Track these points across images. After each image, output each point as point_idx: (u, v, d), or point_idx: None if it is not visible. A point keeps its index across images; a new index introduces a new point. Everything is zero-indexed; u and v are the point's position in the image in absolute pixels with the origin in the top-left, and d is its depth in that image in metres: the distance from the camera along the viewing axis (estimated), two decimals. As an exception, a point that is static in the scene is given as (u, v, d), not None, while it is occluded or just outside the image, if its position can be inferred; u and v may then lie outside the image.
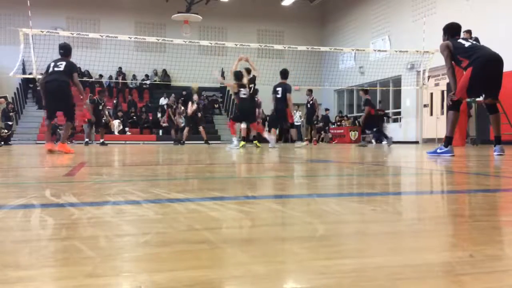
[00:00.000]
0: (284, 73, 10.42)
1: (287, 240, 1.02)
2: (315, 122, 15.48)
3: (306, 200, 1.73)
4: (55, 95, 6.70)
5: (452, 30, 5.43)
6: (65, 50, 7.09)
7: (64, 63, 6.83)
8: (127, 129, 20.20)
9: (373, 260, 0.85)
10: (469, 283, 0.71)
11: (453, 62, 5.26)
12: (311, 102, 14.86)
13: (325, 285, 0.70)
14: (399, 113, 19.54)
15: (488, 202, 1.72)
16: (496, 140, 5.48)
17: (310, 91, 15.11)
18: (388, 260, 0.84)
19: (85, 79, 19.77)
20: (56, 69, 6.74)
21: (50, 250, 0.94)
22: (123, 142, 18.93)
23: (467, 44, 5.24)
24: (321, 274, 0.75)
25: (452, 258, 0.86)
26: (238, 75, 10.15)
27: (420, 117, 18.46)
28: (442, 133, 13.39)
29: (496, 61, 5.14)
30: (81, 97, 7.79)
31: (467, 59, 5.08)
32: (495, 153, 5.33)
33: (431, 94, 17.53)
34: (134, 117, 20.91)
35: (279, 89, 10.29)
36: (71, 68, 6.87)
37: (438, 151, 5.35)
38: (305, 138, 14.34)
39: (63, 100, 6.75)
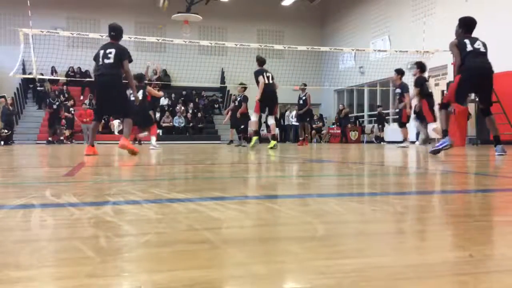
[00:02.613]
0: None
1: (287, 240, 1.02)
2: (307, 119, 14.00)
3: (306, 200, 1.73)
4: (106, 94, 5.76)
5: (466, 26, 5.50)
6: (116, 32, 5.95)
7: (113, 50, 5.73)
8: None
9: (373, 260, 0.85)
10: (469, 283, 0.71)
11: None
12: (303, 98, 13.54)
13: (325, 285, 0.70)
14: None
15: (488, 202, 1.72)
16: (496, 140, 5.53)
17: (304, 85, 13.79)
18: (388, 260, 0.84)
19: (87, 79, 19.79)
20: (106, 60, 5.71)
21: (50, 250, 0.95)
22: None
23: (469, 48, 5.29)
24: (321, 274, 0.75)
25: (452, 258, 0.86)
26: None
27: (420, 117, 18.46)
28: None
29: (482, 74, 5.29)
30: (130, 91, 6.51)
31: (462, 64, 5.23)
32: (497, 153, 5.36)
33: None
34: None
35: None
36: (122, 55, 5.75)
37: (436, 145, 5.60)
38: (300, 138, 13.49)
39: (115, 99, 5.75)
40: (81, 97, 20.75)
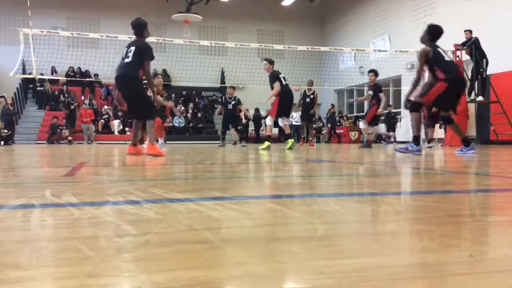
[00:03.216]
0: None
1: (287, 240, 1.02)
2: (313, 119, 13.24)
3: (306, 200, 1.73)
4: (124, 95, 5.44)
5: (434, 34, 5.60)
6: (137, 29, 5.48)
7: (133, 48, 5.31)
8: (127, 129, 20.20)
9: (373, 260, 0.85)
10: (469, 283, 0.71)
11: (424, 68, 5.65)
12: (311, 96, 12.47)
13: (325, 285, 0.70)
14: (399, 113, 19.52)
15: (488, 202, 1.72)
16: (464, 141, 5.79)
17: (311, 83, 12.73)
18: (388, 260, 0.84)
19: (87, 79, 19.80)
20: (126, 60, 5.32)
21: (50, 250, 0.95)
22: (124, 142, 18.92)
23: (446, 58, 5.58)
24: (321, 274, 0.75)
25: (452, 258, 0.86)
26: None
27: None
28: (441, 133, 13.41)
29: (463, 85, 6.14)
30: (149, 92, 6.02)
31: (445, 74, 5.37)
32: (469, 152, 5.57)
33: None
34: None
35: None
36: (142, 54, 5.29)
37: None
38: (302, 136, 13.09)
39: (133, 100, 5.44)
40: (82, 97, 20.75)
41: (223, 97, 12.98)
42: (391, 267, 0.79)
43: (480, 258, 0.86)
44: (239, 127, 12.88)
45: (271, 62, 9.07)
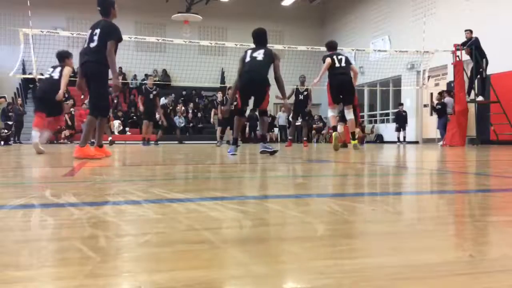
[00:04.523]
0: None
1: (287, 240, 1.02)
2: (306, 118, 12.28)
3: (306, 200, 1.73)
4: (88, 82, 4.94)
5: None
6: (102, 7, 4.98)
7: (98, 31, 4.84)
8: (127, 129, 20.22)
9: (373, 260, 0.85)
10: (469, 283, 0.71)
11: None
12: (305, 93, 11.48)
13: (325, 285, 0.70)
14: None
15: (488, 202, 1.72)
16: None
17: (304, 78, 11.70)
18: (388, 260, 0.84)
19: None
20: (91, 44, 4.84)
21: (50, 250, 0.95)
22: (123, 142, 18.93)
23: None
24: (321, 274, 0.75)
25: (452, 258, 0.86)
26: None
27: (420, 117, 18.45)
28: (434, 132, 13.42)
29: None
30: (113, 81, 5.05)
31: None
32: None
33: (431, 94, 17.53)
34: (134, 117, 20.90)
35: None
36: (107, 35, 4.80)
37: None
38: (304, 138, 12.10)
39: (93, 89, 4.91)
40: (82, 97, 20.73)
41: (225, 98, 13.06)
42: (391, 267, 0.79)
43: (480, 258, 0.86)
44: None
45: (327, 46, 8.76)
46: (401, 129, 17.36)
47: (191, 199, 1.65)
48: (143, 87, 13.85)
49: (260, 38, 6.31)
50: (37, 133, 6.63)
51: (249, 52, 6.08)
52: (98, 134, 5.26)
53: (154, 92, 13.13)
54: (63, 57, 7.14)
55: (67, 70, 6.98)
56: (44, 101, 6.90)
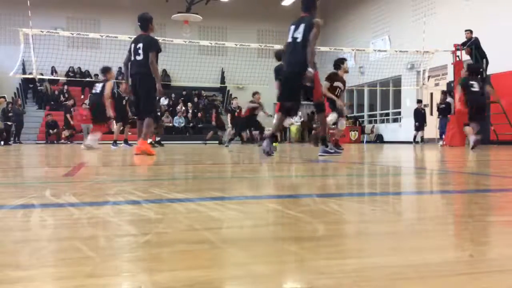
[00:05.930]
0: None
1: (287, 240, 1.02)
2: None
3: (306, 200, 1.73)
4: (136, 91, 5.72)
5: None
6: (142, 22, 5.83)
7: (141, 45, 5.59)
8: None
9: (373, 260, 0.85)
10: (469, 283, 0.71)
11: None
12: None
13: (325, 285, 0.70)
14: (399, 113, 19.52)
15: (488, 202, 1.72)
16: (323, 140, 5.08)
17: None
18: (388, 260, 0.84)
19: (87, 79, 19.78)
20: (137, 57, 5.61)
21: (50, 250, 0.94)
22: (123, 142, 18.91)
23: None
24: (321, 274, 0.75)
25: (452, 258, 0.86)
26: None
27: (420, 117, 18.41)
28: (433, 132, 13.39)
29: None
30: (157, 86, 5.80)
31: None
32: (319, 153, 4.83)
33: (431, 94, 17.52)
34: (134, 117, 20.89)
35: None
36: (149, 47, 5.56)
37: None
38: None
39: (142, 96, 5.68)
40: (82, 97, 20.76)
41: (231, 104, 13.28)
42: (391, 267, 0.79)
43: (480, 258, 0.86)
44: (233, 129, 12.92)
45: None
46: (420, 129, 15.35)
47: (191, 199, 1.65)
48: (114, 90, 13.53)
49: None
50: (91, 136, 8.66)
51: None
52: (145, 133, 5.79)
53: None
54: (105, 71, 8.97)
55: (108, 86, 8.89)
56: (92, 111, 9.27)
